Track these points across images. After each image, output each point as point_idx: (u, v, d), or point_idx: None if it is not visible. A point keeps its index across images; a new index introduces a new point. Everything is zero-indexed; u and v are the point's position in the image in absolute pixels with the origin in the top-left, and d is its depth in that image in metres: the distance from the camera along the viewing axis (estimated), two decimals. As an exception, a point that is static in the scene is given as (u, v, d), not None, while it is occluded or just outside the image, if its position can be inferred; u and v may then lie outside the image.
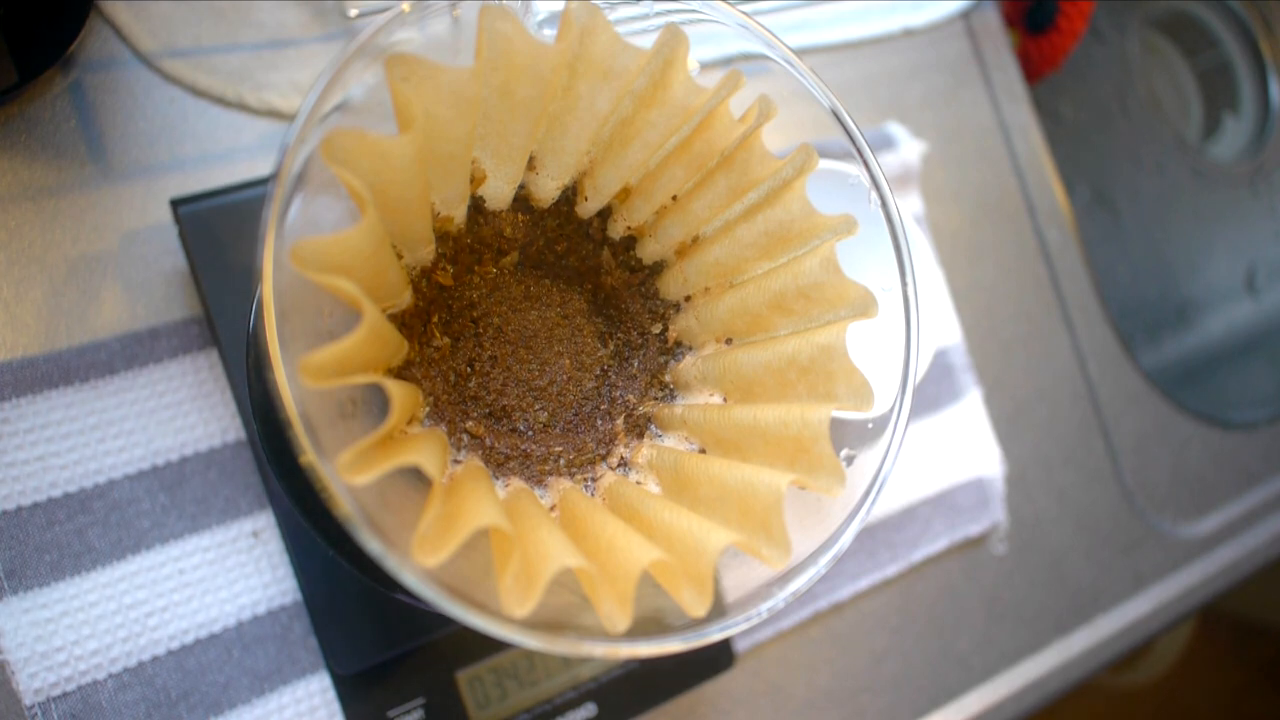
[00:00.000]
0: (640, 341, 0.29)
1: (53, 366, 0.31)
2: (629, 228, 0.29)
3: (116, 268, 0.33)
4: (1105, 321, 0.54)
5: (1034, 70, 0.61)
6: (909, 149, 0.48)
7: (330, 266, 0.19)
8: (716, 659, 0.37)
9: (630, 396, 0.29)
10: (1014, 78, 0.54)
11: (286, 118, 0.37)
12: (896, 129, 0.48)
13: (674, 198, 0.28)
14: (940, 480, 0.46)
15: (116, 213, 0.34)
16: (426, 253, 0.26)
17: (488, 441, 0.27)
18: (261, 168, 0.36)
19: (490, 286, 0.28)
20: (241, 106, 0.36)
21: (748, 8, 0.47)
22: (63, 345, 0.32)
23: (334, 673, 0.32)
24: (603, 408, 0.29)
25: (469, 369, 0.27)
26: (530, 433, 0.28)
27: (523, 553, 0.21)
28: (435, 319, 0.27)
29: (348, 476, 0.18)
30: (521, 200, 0.28)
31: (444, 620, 0.33)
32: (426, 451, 0.21)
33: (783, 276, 0.26)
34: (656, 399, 0.29)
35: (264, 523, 0.33)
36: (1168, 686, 1.15)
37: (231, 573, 0.32)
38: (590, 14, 0.23)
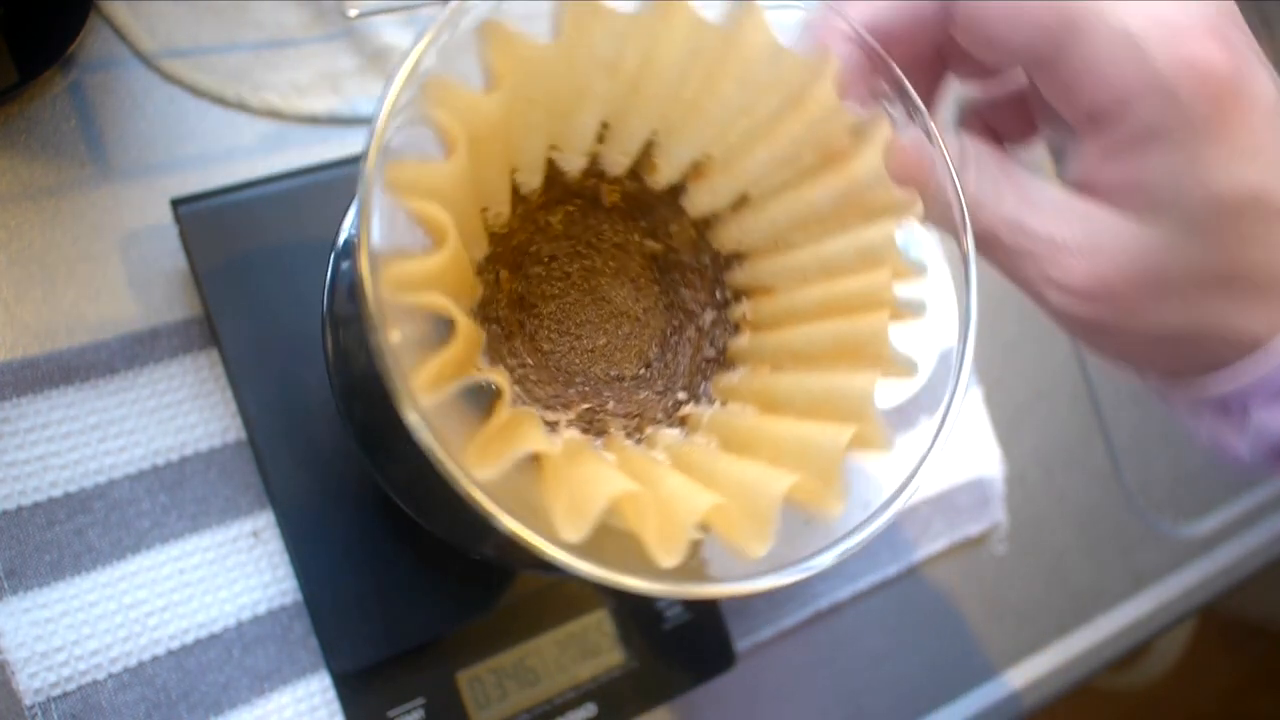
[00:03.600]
0: (698, 310, 0.29)
1: (53, 366, 0.31)
2: (711, 212, 0.29)
3: (116, 268, 0.33)
4: (1105, 321, 0.54)
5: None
6: (909, 149, 0.48)
7: (424, 192, 0.20)
8: (716, 659, 0.37)
9: (688, 365, 0.29)
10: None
11: (286, 118, 0.37)
12: (896, 129, 0.48)
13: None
14: (940, 480, 0.46)
15: (116, 213, 0.34)
16: (504, 209, 0.26)
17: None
18: (261, 168, 0.36)
19: (558, 247, 0.29)
20: (241, 106, 0.36)
21: None
22: (63, 345, 0.32)
23: (334, 672, 0.32)
24: (663, 372, 0.29)
25: (534, 322, 0.28)
26: (588, 389, 0.28)
27: (576, 481, 0.21)
28: (505, 274, 0.27)
29: (424, 394, 0.19)
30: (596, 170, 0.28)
31: (444, 620, 0.33)
32: (495, 375, 0.21)
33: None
34: (712, 369, 0.29)
35: (264, 523, 0.33)
36: (1168, 686, 1.15)
37: (231, 573, 0.32)
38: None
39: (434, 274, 0.20)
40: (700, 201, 0.28)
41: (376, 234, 0.19)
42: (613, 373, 0.29)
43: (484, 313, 0.27)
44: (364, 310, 0.19)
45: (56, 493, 0.31)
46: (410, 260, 0.20)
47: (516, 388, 0.26)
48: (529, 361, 0.27)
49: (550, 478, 0.21)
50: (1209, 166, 0.21)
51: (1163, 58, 0.21)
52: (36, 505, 0.30)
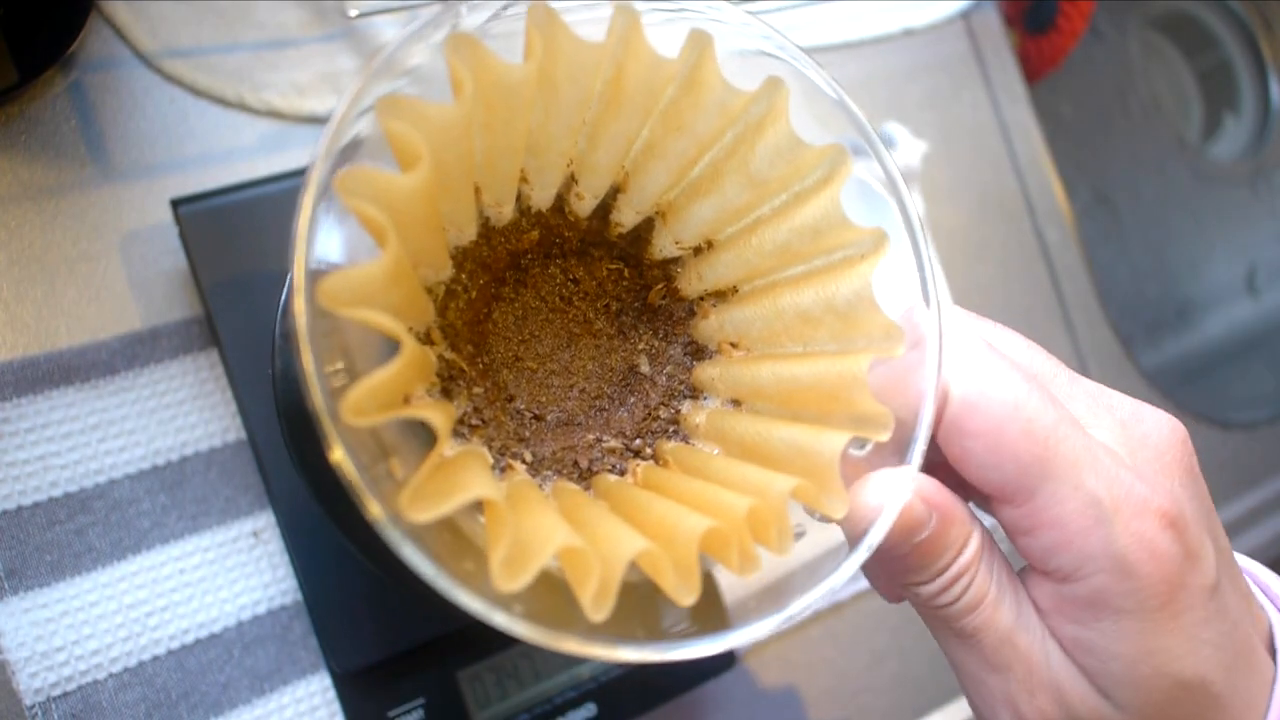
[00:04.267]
0: (664, 351, 0.29)
1: (53, 366, 0.31)
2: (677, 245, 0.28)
3: (116, 268, 0.33)
4: (1105, 322, 0.54)
5: (1034, 70, 0.61)
6: (909, 149, 0.48)
7: (374, 200, 0.19)
8: (716, 659, 0.37)
9: (653, 398, 0.28)
10: (1014, 78, 0.54)
11: (286, 118, 0.37)
12: (896, 129, 0.48)
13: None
14: (940, 480, 0.46)
15: (116, 213, 0.34)
16: (468, 229, 0.26)
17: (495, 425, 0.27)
18: (262, 168, 0.36)
19: (517, 291, 0.28)
20: (241, 106, 0.36)
21: (749, 7, 0.47)
22: (63, 345, 0.32)
23: (334, 672, 0.32)
24: (625, 405, 0.28)
25: (489, 359, 0.27)
26: (548, 424, 0.27)
27: (521, 530, 0.20)
28: (474, 295, 0.27)
29: (351, 418, 0.18)
30: (559, 209, 0.28)
31: (444, 620, 0.33)
32: (436, 412, 0.20)
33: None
34: (676, 410, 0.29)
35: (264, 523, 0.33)
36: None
37: (231, 573, 0.32)
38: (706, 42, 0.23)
39: (375, 282, 0.19)
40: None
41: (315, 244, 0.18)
42: (572, 412, 0.28)
43: (443, 336, 0.26)
44: (290, 328, 0.18)
45: (56, 493, 0.31)
46: (349, 271, 0.19)
47: (472, 423, 0.25)
48: (482, 395, 0.27)
49: (494, 524, 0.20)
50: (1157, 651, 0.21)
51: (1124, 534, 0.21)
52: (36, 505, 0.30)
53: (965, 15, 0.53)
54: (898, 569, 0.23)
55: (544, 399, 0.28)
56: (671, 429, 0.28)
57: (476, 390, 0.26)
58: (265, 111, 0.36)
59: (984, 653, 0.23)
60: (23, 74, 0.32)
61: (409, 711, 0.33)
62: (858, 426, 0.23)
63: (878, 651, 0.43)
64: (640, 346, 0.29)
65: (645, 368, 0.29)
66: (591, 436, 0.28)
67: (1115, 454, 0.22)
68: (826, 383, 0.24)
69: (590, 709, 0.35)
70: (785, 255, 0.26)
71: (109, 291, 0.33)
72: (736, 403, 0.27)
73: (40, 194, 0.33)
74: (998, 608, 0.23)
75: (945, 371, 0.23)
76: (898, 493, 0.22)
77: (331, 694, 0.33)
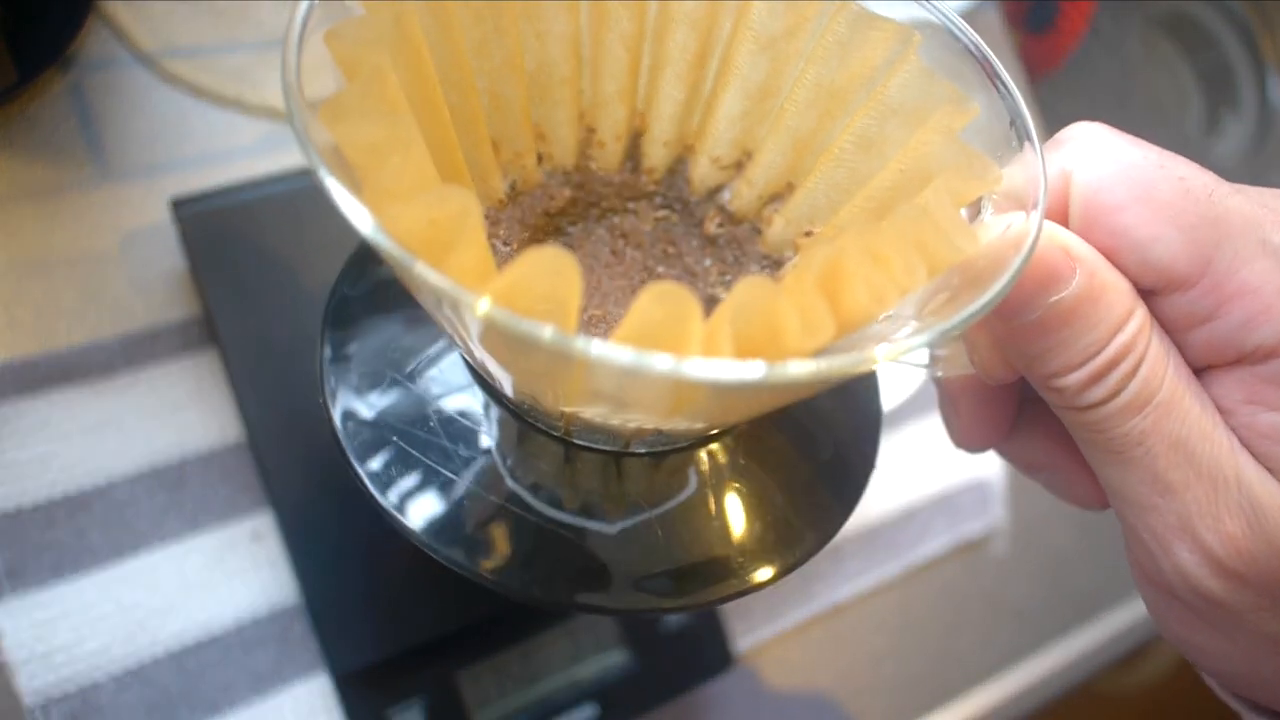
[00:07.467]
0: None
1: (53, 366, 0.31)
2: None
3: (116, 268, 0.33)
4: (1105, 321, 0.53)
5: (1034, 70, 0.61)
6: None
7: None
8: (716, 659, 0.37)
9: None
10: (1014, 78, 0.54)
11: (286, 118, 0.37)
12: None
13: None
14: (941, 480, 0.46)
15: (116, 213, 0.34)
16: (526, 158, 0.25)
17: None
18: (261, 168, 0.36)
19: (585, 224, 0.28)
20: (241, 106, 0.36)
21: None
22: (63, 345, 0.32)
23: (334, 672, 0.32)
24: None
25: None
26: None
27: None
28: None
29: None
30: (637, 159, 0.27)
31: (444, 620, 0.33)
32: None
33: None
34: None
35: (264, 523, 0.33)
36: (1168, 689, 1.15)
37: (231, 573, 0.32)
38: None
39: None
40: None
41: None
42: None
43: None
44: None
45: (56, 493, 0.31)
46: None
47: None
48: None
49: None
50: None
51: None
52: (36, 505, 0.30)
53: (965, 15, 0.53)
54: (1035, 350, 0.19)
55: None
56: None
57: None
58: (265, 111, 0.36)
59: (1154, 469, 0.19)
60: (23, 74, 0.32)
61: (409, 711, 0.33)
62: (964, 186, 0.20)
63: (878, 651, 0.43)
64: (713, 279, 0.28)
65: (725, 295, 0.28)
66: None
67: None
68: (911, 169, 0.21)
69: (590, 709, 0.35)
70: (823, 106, 0.24)
71: (109, 291, 0.33)
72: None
73: (40, 194, 0.33)
74: (1170, 409, 0.18)
75: (1057, 153, 0.19)
76: (1028, 222, 0.18)
77: (331, 694, 0.33)
